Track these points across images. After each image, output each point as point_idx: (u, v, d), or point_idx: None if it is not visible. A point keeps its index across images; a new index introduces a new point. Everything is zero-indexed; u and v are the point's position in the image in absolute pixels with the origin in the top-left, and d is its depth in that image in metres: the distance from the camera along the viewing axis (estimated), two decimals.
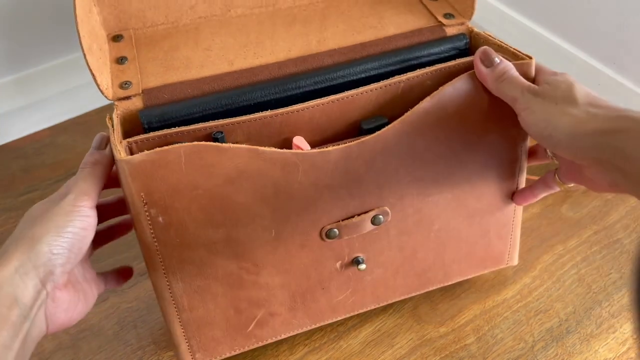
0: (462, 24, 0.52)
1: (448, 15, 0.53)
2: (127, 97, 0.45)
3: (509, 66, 0.44)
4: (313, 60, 0.49)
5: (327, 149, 0.44)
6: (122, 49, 0.49)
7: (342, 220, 0.48)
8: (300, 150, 0.43)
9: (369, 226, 0.49)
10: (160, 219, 0.42)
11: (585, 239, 0.64)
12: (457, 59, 0.47)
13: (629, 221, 0.65)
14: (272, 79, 0.48)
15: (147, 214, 0.41)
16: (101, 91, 0.44)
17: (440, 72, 0.47)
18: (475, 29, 0.51)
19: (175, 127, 0.43)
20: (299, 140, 0.45)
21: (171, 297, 0.46)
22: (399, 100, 0.47)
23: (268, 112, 0.44)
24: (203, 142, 0.40)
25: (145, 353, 0.55)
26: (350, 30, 0.52)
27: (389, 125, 0.45)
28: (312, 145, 0.46)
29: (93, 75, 0.44)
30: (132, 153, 0.42)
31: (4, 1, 0.69)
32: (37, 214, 0.38)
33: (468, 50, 0.52)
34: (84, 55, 0.43)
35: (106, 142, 0.43)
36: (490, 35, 0.49)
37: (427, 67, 0.47)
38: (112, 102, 0.45)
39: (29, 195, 0.72)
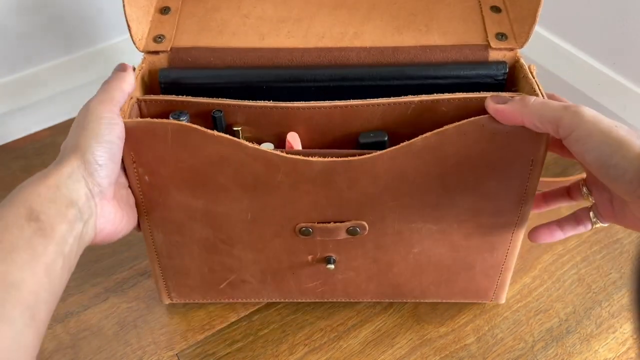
0: (511, 50, 0.47)
1: (500, 36, 0.47)
2: (156, 52, 0.48)
3: (535, 97, 0.39)
4: (339, 55, 0.48)
5: (311, 158, 0.43)
6: None
7: (318, 222, 0.48)
8: (283, 154, 0.42)
9: (344, 234, 0.49)
10: (147, 177, 0.45)
11: (585, 238, 0.64)
12: (482, 92, 0.43)
13: None
14: (292, 65, 0.48)
15: (135, 170, 0.44)
16: (133, 41, 0.47)
17: (458, 101, 0.43)
18: (522, 60, 0.46)
19: (188, 91, 0.45)
20: (292, 137, 0.45)
21: (152, 243, 0.50)
22: (406, 120, 0.45)
23: (269, 103, 0.44)
24: (190, 124, 0.41)
25: (145, 353, 0.55)
26: (392, 27, 0.49)
27: (381, 152, 0.42)
28: (307, 144, 0.46)
29: (128, 25, 0.46)
30: (140, 111, 0.45)
31: (4, 1, 0.69)
32: (76, 121, 0.40)
33: (504, 82, 0.47)
34: (123, 4, 0.45)
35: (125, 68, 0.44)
36: (532, 72, 0.45)
37: (445, 94, 0.43)
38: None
39: None
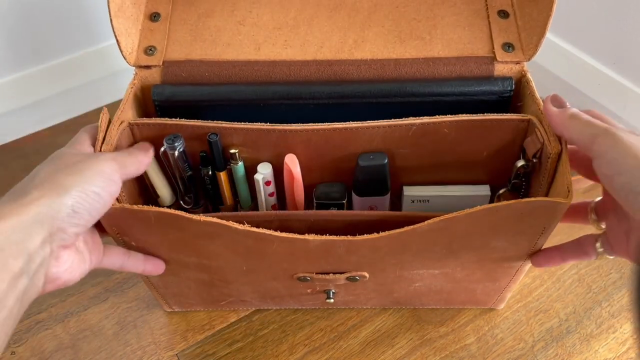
0: (518, 63, 0.45)
1: (507, 46, 0.45)
2: (148, 67, 0.46)
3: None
4: (338, 69, 0.45)
5: (307, 237, 0.40)
6: (159, 3, 0.48)
7: (317, 273, 0.46)
8: (277, 234, 0.40)
9: (344, 281, 0.47)
10: (133, 243, 0.43)
11: None
12: (485, 115, 0.42)
13: None
14: (290, 81, 0.46)
15: (119, 238, 0.42)
16: (123, 56, 0.45)
17: (461, 123, 0.42)
18: (529, 75, 0.44)
19: (183, 108, 0.44)
20: (290, 159, 0.44)
21: (147, 279, 0.49)
22: (408, 141, 0.43)
23: (266, 126, 0.42)
24: (172, 212, 0.38)
25: (145, 353, 0.55)
26: (394, 35, 0.46)
27: (383, 235, 0.39)
28: (305, 165, 0.45)
29: (117, 39, 0.44)
30: (133, 134, 0.43)
31: (4, 1, 0.69)
32: (68, 161, 0.35)
33: (510, 99, 0.45)
34: (110, 18, 0.44)
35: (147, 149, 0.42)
36: (534, 94, 0.43)
37: (448, 116, 0.41)
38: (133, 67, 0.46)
39: None
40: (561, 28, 0.76)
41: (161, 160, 0.45)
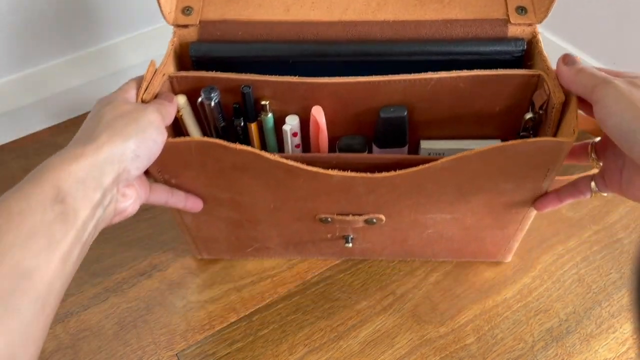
0: (530, 25, 0.48)
1: (520, 10, 0.48)
2: (185, 26, 0.49)
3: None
4: (362, 29, 0.49)
5: (330, 172, 0.44)
6: None
7: (337, 214, 0.50)
8: (303, 166, 0.44)
9: (362, 224, 0.51)
10: (173, 181, 0.47)
11: (585, 238, 0.64)
12: (499, 69, 0.45)
13: (629, 221, 0.65)
14: (317, 40, 0.49)
15: (161, 175, 0.47)
16: (163, 15, 0.48)
17: (476, 79, 0.45)
18: (539, 36, 0.48)
19: (218, 64, 0.47)
20: (317, 111, 0.47)
21: (182, 221, 0.54)
22: (426, 95, 0.47)
23: (295, 79, 0.45)
24: (212, 140, 0.42)
25: (145, 353, 0.55)
26: None
27: (400, 173, 0.43)
28: (330, 117, 0.48)
29: (158, 1, 0.47)
30: (172, 86, 0.47)
31: (5, 1, 0.69)
32: (123, 109, 0.40)
33: (522, 59, 0.48)
34: None
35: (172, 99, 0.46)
36: (542, 52, 0.46)
37: (464, 71, 0.45)
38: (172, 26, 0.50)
39: None
40: (561, 28, 0.76)
41: (197, 111, 0.49)
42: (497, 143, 0.48)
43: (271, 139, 0.51)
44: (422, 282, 0.60)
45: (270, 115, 0.49)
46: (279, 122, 0.50)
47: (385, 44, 0.48)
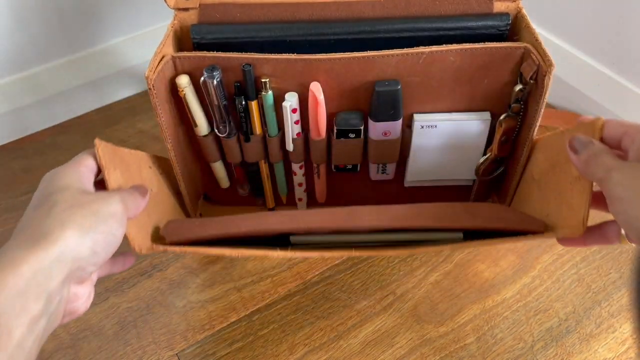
0: (514, 1, 0.51)
1: None
2: (186, 9, 0.51)
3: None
4: (355, 8, 0.51)
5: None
6: None
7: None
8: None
9: None
10: None
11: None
12: (487, 43, 0.48)
13: None
14: (313, 19, 0.51)
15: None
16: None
17: (465, 51, 0.48)
18: (524, 10, 0.50)
19: (218, 45, 0.49)
20: (315, 87, 0.49)
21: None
22: (418, 69, 0.49)
23: (294, 56, 0.48)
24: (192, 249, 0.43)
25: (145, 353, 0.55)
26: None
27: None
28: (328, 92, 0.50)
29: None
30: (175, 66, 0.49)
31: (5, 2, 0.69)
32: (81, 200, 0.35)
33: (507, 32, 0.51)
34: None
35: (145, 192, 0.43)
36: (529, 25, 0.49)
37: (453, 45, 0.47)
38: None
39: (30, 195, 0.72)
40: (561, 28, 0.76)
41: (200, 90, 0.50)
42: (487, 116, 0.53)
43: (271, 117, 0.53)
44: (422, 282, 0.60)
45: (270, 92, 0.50)
46: (279, 100, 0.51)
47: (377, 22, 0.50)
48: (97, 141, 0.40)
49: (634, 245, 0.62)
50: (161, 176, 0.52)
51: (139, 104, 0.85)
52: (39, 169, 0.75)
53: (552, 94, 0.79)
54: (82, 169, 0.38)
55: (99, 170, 0.40)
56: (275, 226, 0.45)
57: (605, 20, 0.69)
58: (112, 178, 0.40)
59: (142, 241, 0.42)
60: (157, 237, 0.46)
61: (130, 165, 0.45)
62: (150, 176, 0.49)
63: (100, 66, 0.80)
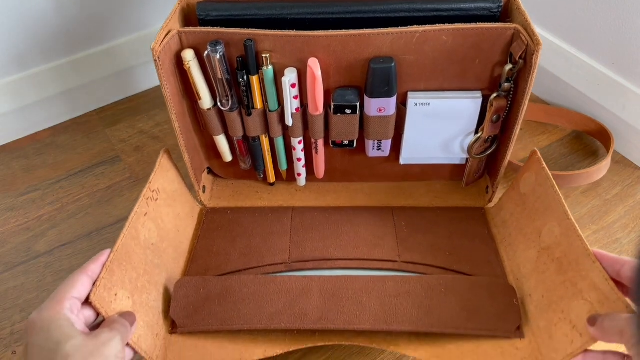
0: None
1: None
2: None
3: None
4: None
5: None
6: None
7: None
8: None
9: None
10: None
11: (584, 238, 0.64)
12: (478, 23, 0.50)
13: (627, 221, 0.65)
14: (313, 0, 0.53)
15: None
16: None
17: (457, 31, 0.50)
18: None
19: (222, 22, 0.52)
20: (313, 62, 0.51)
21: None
22: (412, 47, 0.51)
23: (293, 32, 0.50)
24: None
25: None
26: None
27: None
28: (325, 68, 0.52)
29: None
30: (181, 42, 0.52)
31: (5, 2, 0.69)
32: (90, 348, 0.38)
33: (499, 14, 0.52)
34: None
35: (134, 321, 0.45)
36: (520, 7, 0.50)
37: (446, 25, 0.49)
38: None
39: (30, 195, 0.72)
40: (561, 28, 0.76)
41: (205, 65, 0.53)
42: (478, 95, 0.55)
43: (271, 91, 0.55)
44: None
45: (270, 67, 0.53)
46: (279, 76, 0.53)
47: (375, 2, 0.52)
48: (91, 295, 0.41)
49: (633, 245, 0.62)
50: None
51: (139, 104, 0.85)
52: (40, 168, 0.76)
53: (552, 93, 0.80)
54: (66, 311, 0.40)
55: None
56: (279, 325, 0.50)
57: (605, 21, 0.70)
58: (115, 307, 0.44)
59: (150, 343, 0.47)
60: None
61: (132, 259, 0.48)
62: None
63: (101, 66, 0.81)
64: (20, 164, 0.77)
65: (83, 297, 0.41)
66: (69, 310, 0.39)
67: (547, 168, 0.53)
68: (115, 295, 0.44)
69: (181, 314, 0.51)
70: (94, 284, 0.42)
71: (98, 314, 0.42)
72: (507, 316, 0.50)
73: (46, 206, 0.71)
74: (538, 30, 0.78)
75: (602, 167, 0.69)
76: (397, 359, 0.53)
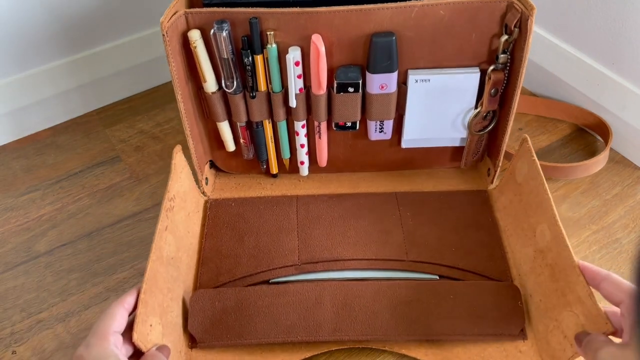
0: None
1: None
2: None
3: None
4: None
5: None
6: None
7: None
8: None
9: None
10: None
11: (584, 238, 0.64)
12: None
13: (627, 221, 0.65)
14: None
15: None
16: None
17: (454, 5, 0.51)
18: None
19: (227, 4, 0.53)
20: (316, 38, 0.52)
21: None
22: (411, 22, 0.53)
23: (296, 9, 0.51)
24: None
25: None
26: None
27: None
28: (328, 44, 0.54)
29: None
30: (187, 22, 0.53)
31: (5, 3, 0.69)
32: None
33: None
34: None
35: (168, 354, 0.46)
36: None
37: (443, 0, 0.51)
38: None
39: (30, 195, 0.72)
40: (560, 28, 0.76)
41: (210, 48, 0.54)
42: (476, 71, 0.57)
43: (275, 71, 0.56)
44: None
45: (274, 45, 0.54)
46: (283, 56, 0.55)
47: None
48: (134, 335, 0.42)
49: (633, 245, 0.62)
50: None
51: (139, 104, 0.85)
52: (40, 168, 0.76)
53: (552, 93, 0.79)
54: (112, 346, 0.41)
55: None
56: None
57: (605, 20, 0.70)
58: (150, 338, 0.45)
59: None
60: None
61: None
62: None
63: (100, 66, 0.81)
64: (20, 164, 0.77)
65: (122, 330, 0.43)
66: (114, 345, 0.41)
67: (537, 161, 0.54)
68: (150, 326, 0.45)
69: (199, 329, 0.52)
70: (133, 320, 0.43)
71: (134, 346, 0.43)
72: (511, 319, 0.52)
73: (46, 206, 0.71)
74: (538, 30, 0.78)
75: (600, 160, 0.69)
76: (397, 359, 0.53)
